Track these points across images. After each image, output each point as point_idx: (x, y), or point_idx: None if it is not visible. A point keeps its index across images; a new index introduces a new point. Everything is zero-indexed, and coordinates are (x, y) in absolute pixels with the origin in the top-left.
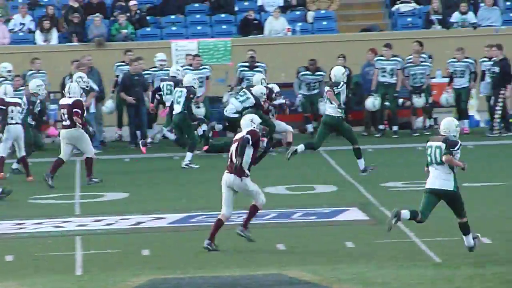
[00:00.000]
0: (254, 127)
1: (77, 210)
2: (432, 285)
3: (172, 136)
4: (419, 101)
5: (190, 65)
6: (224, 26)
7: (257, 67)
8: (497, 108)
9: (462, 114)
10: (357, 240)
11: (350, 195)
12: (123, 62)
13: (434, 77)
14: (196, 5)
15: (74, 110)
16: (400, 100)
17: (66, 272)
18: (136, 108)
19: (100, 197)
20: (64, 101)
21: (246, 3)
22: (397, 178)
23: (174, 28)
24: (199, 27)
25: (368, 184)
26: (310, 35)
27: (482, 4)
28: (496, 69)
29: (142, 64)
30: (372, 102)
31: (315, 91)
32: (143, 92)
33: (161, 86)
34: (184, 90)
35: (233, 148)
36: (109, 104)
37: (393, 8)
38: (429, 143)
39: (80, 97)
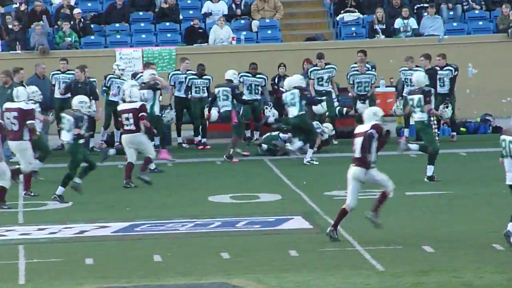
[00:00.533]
0: (377, 120)
1: (20, 218)
2: None
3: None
4: (363, 106)
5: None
6: (168, 35)
7: (205, 75)
8: (432, 118)
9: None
10: (301, 249)
11: (294, 204)
12: (58, 70)
13: (378, 86)
14: (141, 13)
15: (141, 114)
16: (344, 109)
17: (9, 281)
18: None
19: (43, 206)
20: (124, 106)
21: (191, 12)
22: (342, 187)
23: (118, 36)
24: (143, 36)
25: (312, 193)
26: (254, 44)
27: (425, 14)
28: None
29: (86, 73)
30: (319, 106)
31: (257, 96)
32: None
33: (216, 92)
34: (296, 91)
35: (357, 141)
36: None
37: (337, 18)
38: (502, 137)
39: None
